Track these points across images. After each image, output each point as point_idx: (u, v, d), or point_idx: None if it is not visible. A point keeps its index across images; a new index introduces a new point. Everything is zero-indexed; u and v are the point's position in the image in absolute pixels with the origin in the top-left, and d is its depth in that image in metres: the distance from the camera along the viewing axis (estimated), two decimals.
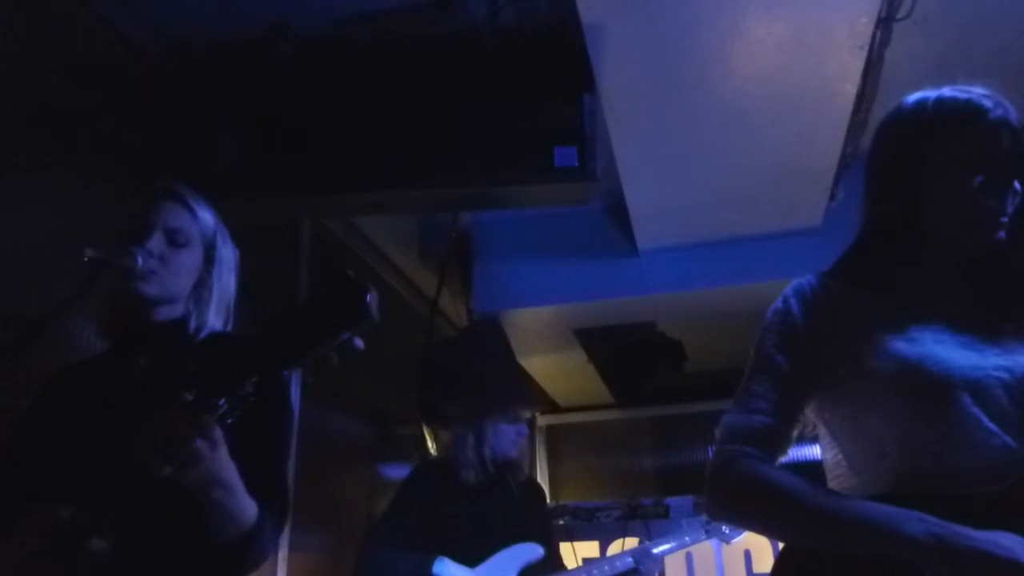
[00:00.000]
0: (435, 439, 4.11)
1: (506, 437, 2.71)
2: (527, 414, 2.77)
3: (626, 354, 5.04)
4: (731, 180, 3.19)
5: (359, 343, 1.07)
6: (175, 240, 1.49)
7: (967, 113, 1.19)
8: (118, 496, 1.15)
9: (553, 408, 5.75)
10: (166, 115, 2.55)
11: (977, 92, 1.21)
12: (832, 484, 1.21)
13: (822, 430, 1.24)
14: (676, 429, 5.54)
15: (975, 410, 1.05)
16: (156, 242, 1.46)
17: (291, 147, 2.51)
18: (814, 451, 1.29)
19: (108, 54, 2.42)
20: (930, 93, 1.25)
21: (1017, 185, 1.16)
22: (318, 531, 3.24)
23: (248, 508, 1.28)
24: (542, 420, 5.73)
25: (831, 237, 3.56)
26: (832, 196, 3.38)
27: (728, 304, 4.03)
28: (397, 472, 4.03)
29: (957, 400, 1.06)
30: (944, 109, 1.22)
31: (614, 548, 4.07)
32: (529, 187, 2.55)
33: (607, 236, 3.81)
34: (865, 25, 2.32)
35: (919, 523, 0.96)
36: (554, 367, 4.88)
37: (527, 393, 2.85)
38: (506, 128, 2.50)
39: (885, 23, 2.38)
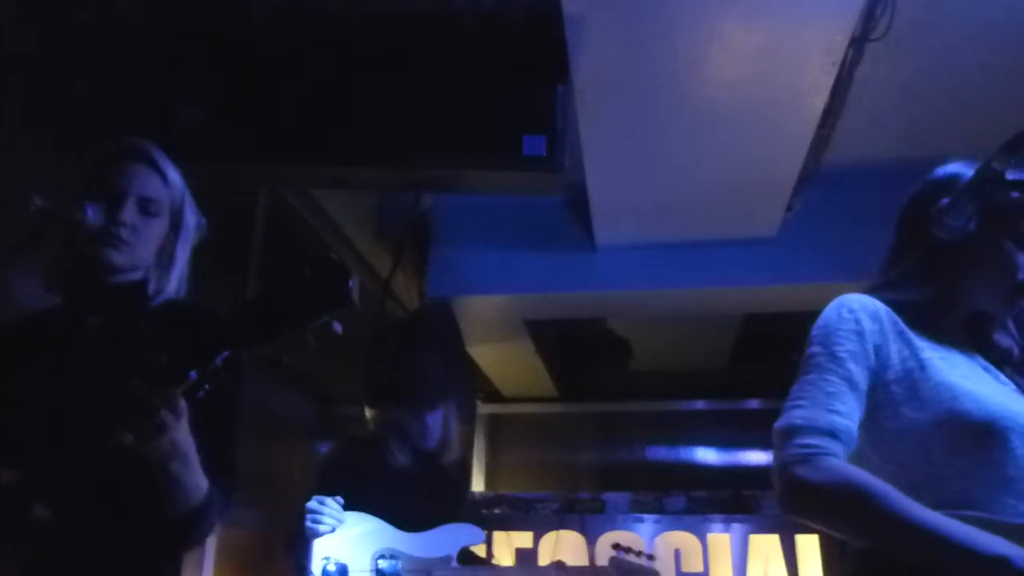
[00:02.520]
0: (375, 419, 4.07)
1: (429, 427, 2.70)
2: (440, 404, 2.74)
3: (574, 348, 5.07)
4: (694, 183, 3.22)
5: (338, 327, 1.06)
6: (147, 209, 1.44)
7: (1005, 196, 1.26)
8: (69, 462, 1.11)
9: (497, 398, 5.76)
10: (129, 69, 2.45)
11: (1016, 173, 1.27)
12: None
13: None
14: (617, 426, 5.61)
15: (1022, 451, 1.16)
16: (129, 211, 1.41)
17: (256, 113, 2.44)
18: None
19: (72, 7, 2.31)
20: (967, 168, 1.31)
21: None
22: (251, 506, 3.18)
23: (201, 482, 1.26)
24: (484, 409, 5.73)
25: (785, 248, 3.64)
26: (789, 208, 3.44)
27: (679, 306, 4.09)
28: None
29: (1011, 440, 1.16)
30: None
31: (548, 540, 4.09)
32: (495, 173, 2.53)
33: (566, 230, 3.81)
34: (840, 43, 2.36)
35: (1008, 546, 1.04)
36: (502, 356, 4.89)
37: (446, 385, 2.81)
38: (477, 112, 2.48)
39: (859, 42, 2.42)
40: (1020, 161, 1.23)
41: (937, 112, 2.99)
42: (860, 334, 1.25)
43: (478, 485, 5.62)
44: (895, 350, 1.25)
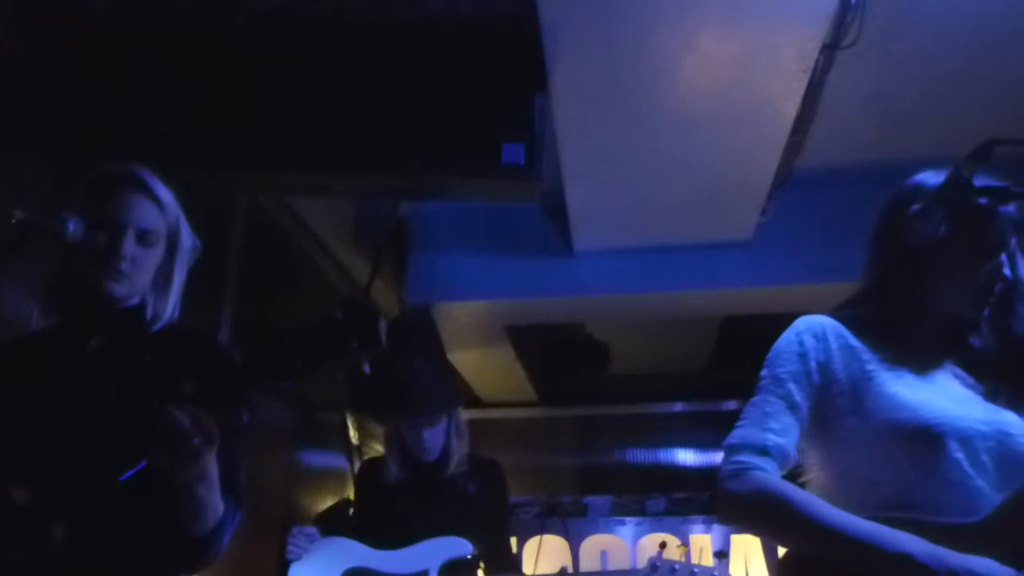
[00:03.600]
0: (358, 428, 4.07)
1: (427, 441, 2.69)
2: (442, 416, 2.73)
3: (554, 353, 5.08)
4: (670, 189, 3.25)
5: (367, 368, 1.12)
6: (146, 240, 1.46)
7: (973, 202, 1.31)
8: (82, 484, 1.13)
9: (477, 403, 5.76)
10: (105, 77, 2.44)
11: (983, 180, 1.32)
12: None
13: (812, 453, 1.39)
14: (597, 429, 5.63)
15: (959, 455, 1.23)
16: (129, 244, 1.42)
17: (234, 122, 2.44)
18: None
19: (49, 11, 2.29)
20: (935, 176, 1.36)
21: (1007, 271, 1.33)
22: None
23: (219, 504, 1.30)
24: (465, 415, 5.71)
25: (760, 251, 3.68)
26: (764, 212, 3.49)
27: (657, 310, 4.12)
28: (318, 458, 3.97)
29: (946, 446, 1.23)
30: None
31: (531, 545, 4.10)
32: (475, 181, 2.55)
33: (544, 235, 3.84)
34: (811, 50, 2.41)
35: (915, 543, 1.13)
36: (482, 362, 4.89)
37: (448, 397, 2.81)
38: (456, 120, 2.49)
39: (829, 49, 2.47)
40: (987, 169, 1.27)
41: (907, 116, 3.05)
42: (802, 355, 1.35)
43: None
44: (841, 366, 1.33)
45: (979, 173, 1.27)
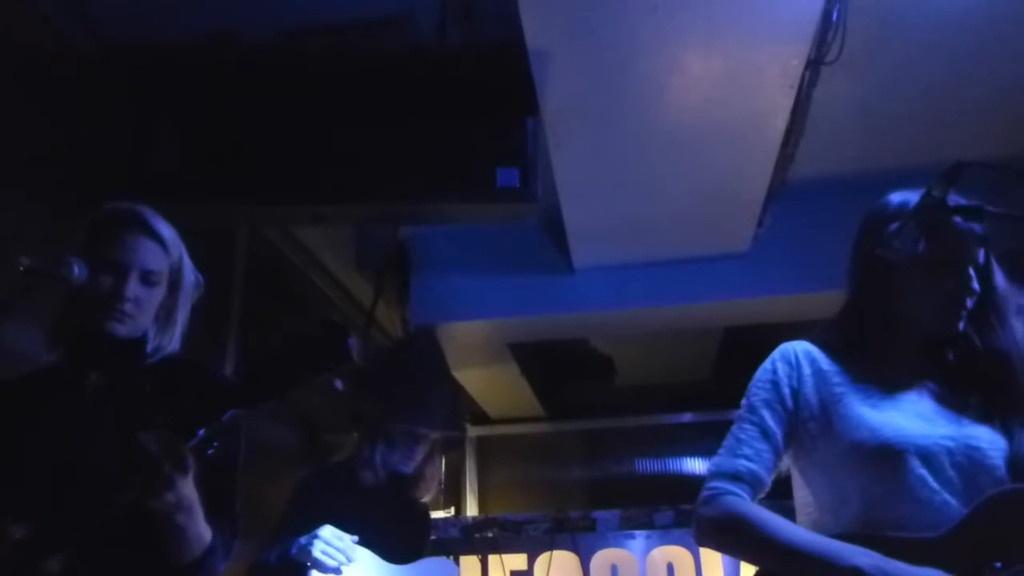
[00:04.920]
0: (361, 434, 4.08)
1: (414, 452, 2.70)
2: (431, 433, 2.75)
3: (558, 368, 5.12)
4: (666, 204, 3.30)
5: (339, 384, 1.15)
6: (149, 280, 1.48)
7: (946, 221, 1.36)
8: (80, 517, 1.15)
9: (484, 420, 5.79)
10: (102, 117, 2.49)
11: (955, 199, 1.36)
12: (802, 519, 1.43)
13: (795, 474, 1.45)
14: (605, 443, 5.65)
15: (922, 471, 1.28)
16: (132, 286, 1.45)
17: (232, 156, 2.49)
18: None
19: (44, 52, 2.35)
20: (912, 195, 1.40)
21: (976, 285, 1.37)
22: (242, 539, 3.19)
23: (205, 532, 1.31)
24: (473, 431, 5.76)
25: (758, 262, 3.72)
26: (760, 223, 3.53)
27: (659, 323, 4.15)
28: None
29: (907, 463, 1.28)
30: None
31: (542, 561, 4.11)
32: (470, 205, 2.59)
33: (544, 253, 3.88)
34: (796, 67, 2.45)
35: (866, 557, 1.19)
36: (488, 380, 4.93)
37: (437, 414, 2.81)
38: (450, 146, 2.53)
39: (814, 65, 2.51)
40: (958, 190, 1.31)
41: (894, 126, 3.10)
42: (775, 383, 1.40)
43: (471, 508, 5.65)
44: (812, 390, 1.38)
45: (951, 193, 1.31)
